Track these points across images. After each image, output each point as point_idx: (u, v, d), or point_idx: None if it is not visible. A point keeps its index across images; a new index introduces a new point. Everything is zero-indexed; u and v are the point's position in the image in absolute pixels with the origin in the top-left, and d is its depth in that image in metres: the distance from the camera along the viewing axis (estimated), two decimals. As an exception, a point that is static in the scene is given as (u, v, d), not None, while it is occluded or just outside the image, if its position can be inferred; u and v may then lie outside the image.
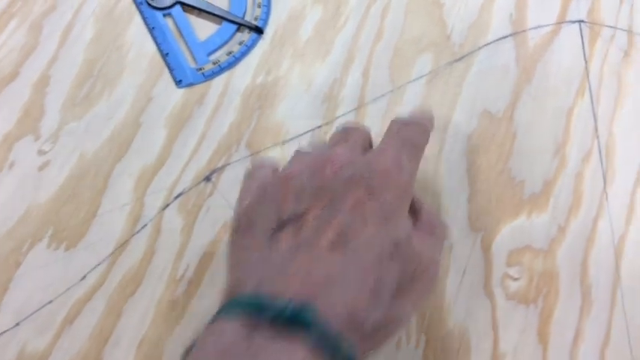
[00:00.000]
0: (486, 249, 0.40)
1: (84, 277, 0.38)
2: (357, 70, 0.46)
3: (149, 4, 0.47)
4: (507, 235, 0.40)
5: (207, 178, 0.41)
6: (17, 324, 0.37)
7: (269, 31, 0.47)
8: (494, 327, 0.38)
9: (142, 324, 0.37)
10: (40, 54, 0.45)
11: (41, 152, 0.41)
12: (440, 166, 0.42)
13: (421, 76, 0.45)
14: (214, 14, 0.47)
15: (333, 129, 0.44)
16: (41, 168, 0.41)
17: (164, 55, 0.45)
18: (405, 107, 0.44)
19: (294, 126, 0.44)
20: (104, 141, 0.42)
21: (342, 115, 0.44)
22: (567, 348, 0.37)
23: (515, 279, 0.39)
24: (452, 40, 0.47)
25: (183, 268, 0.39)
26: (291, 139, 0.43)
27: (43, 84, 0.44)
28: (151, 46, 0.46)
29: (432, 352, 0.37)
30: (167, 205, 0.40)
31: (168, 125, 0.43)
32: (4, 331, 0.36)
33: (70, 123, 0.42)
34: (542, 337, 0.37)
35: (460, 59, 0.46)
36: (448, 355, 0.37)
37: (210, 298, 0.37)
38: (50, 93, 0.43)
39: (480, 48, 0.47)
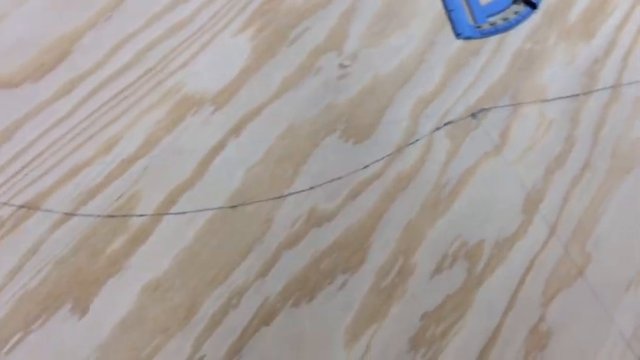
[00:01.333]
0: None
1: (367, 166, 0.46)
2: (618, 54, 0.51)
3: (440, -31, 0.55)
4: None
5: (474, 115, 0.48)
6: (311, 187, 0.45)
7: (542, 8, 0.53)
8: None
9: (410, 211, 0.44)
10: (349, -9, 0.54)
11: (342, 66, 0.50)
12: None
13: (680, 71, 0.50)
14: (495, -14, 0.54)
15: (589, 100, 0.49)
16: (340, 78, 0.50)
17: (449, 11, 0.53)
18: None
19: (554, 90, 0.49)
20: (393, 68, 0.50)
21: (599, 89, 0.49)
22: None
23: None
24: None
25: (446, 179, 0.45)
26: (551, 100, 0.49)
27: (349, 14, 0.53)
28: (438, 1, 0.54)
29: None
30: (438, 128, 0.48)
31: (446, 67, 0.50)
32: (302, 191, 0.45)
33: (367, 48, 0.51)
34: None
35: None
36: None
37: (465, 208, 0.44)
38: (354, 21, 0.52)
39: None
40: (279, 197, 0.44)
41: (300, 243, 0.43)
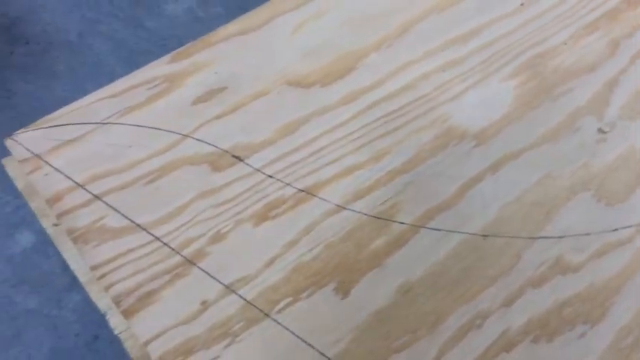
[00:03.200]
0: None
1: (616, 230, 0.48)
2: None
3: None
4: None
5: None
6: (561, 237, 0.48)
7: None
8: None
9: (657, 284, 0.46)
10: (614, 63, 0.57)
11: (601, 131, 0.53)
12: None
13: None
14: None
15: None
16: (598, 142, 0.53)
17: None
18: None
19: None
20: (650, 143, 0.52)
21: None
22: None
23: None
24: None
25: (695, 261, 0.47)
26: None
27: (612, 84, 0.56)
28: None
29: None
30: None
31: None
32: (552, 237, 0.48)
33: (626, 120, 0.54)
34: None
35: None
36: None
37: None
38: (616, 92, 0.55)
39: None
40: (529, 238, 0.48)
41: (544, 285, 0.46)
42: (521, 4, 0.60)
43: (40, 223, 0.46)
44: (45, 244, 1.29)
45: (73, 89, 1.47)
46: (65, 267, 1.28)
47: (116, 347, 1.17)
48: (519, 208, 0.49)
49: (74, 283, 1.23)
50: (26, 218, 1.32)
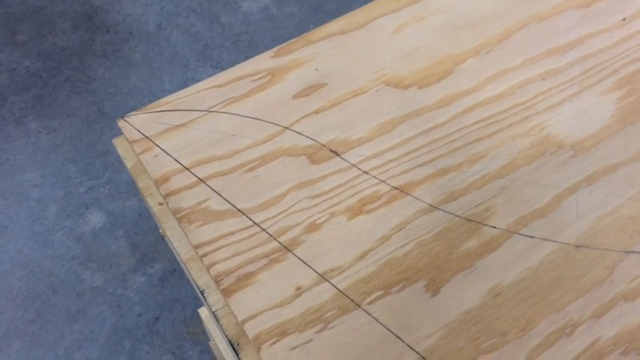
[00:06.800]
0: None
1: None
2: None
3: None
4: None
5: None
6: (658, 254, 0.47)
7: None
8: None
9: None
10: None
11: (702, 149, 0.52)
12: None
13: None
14: None
15: None
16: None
17: None
18: None
19: None
20: None
21: None
22: None
23: None
24: None
25: None
26: None
27: None
28: None
29: None
30: None
31: None
32: (649, 253, 0.47)
33: None
34: None
35: None
36: None
37: None
38: None
39: None
40: (623, 251, 0.47)
41: (637, 300, 0.45)
42: (623, 19, 0.60)
43: (146, 202, 0.49)
44: (114, 225, 1.34)
45: (147, 78, 1.53)
46: (132, 248, 1.33)
47: (176, 330, 1.21)
48: (614, 221, 0.49)
49: (139, 265, 1.28)
50: (98, 199, 1.38)
